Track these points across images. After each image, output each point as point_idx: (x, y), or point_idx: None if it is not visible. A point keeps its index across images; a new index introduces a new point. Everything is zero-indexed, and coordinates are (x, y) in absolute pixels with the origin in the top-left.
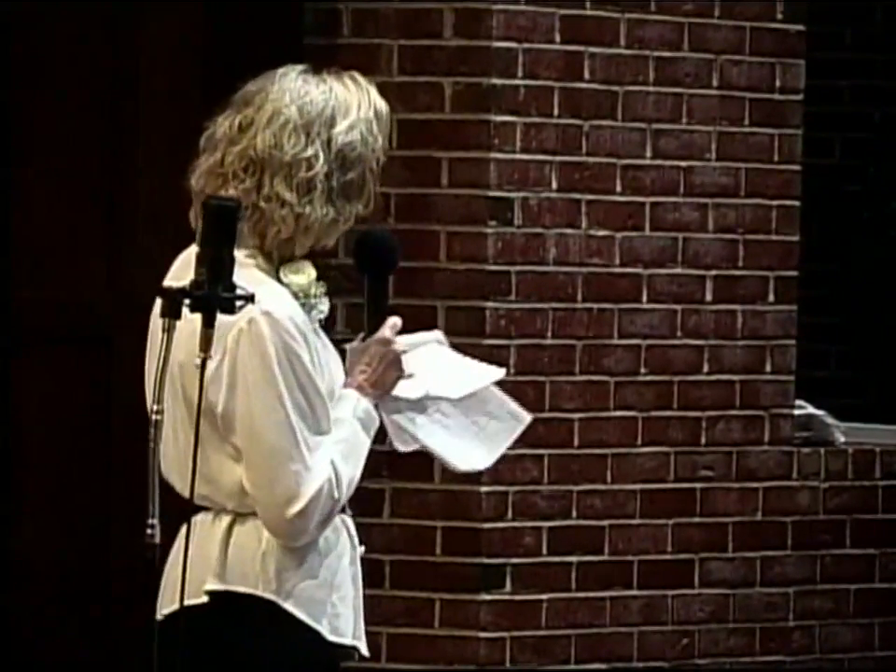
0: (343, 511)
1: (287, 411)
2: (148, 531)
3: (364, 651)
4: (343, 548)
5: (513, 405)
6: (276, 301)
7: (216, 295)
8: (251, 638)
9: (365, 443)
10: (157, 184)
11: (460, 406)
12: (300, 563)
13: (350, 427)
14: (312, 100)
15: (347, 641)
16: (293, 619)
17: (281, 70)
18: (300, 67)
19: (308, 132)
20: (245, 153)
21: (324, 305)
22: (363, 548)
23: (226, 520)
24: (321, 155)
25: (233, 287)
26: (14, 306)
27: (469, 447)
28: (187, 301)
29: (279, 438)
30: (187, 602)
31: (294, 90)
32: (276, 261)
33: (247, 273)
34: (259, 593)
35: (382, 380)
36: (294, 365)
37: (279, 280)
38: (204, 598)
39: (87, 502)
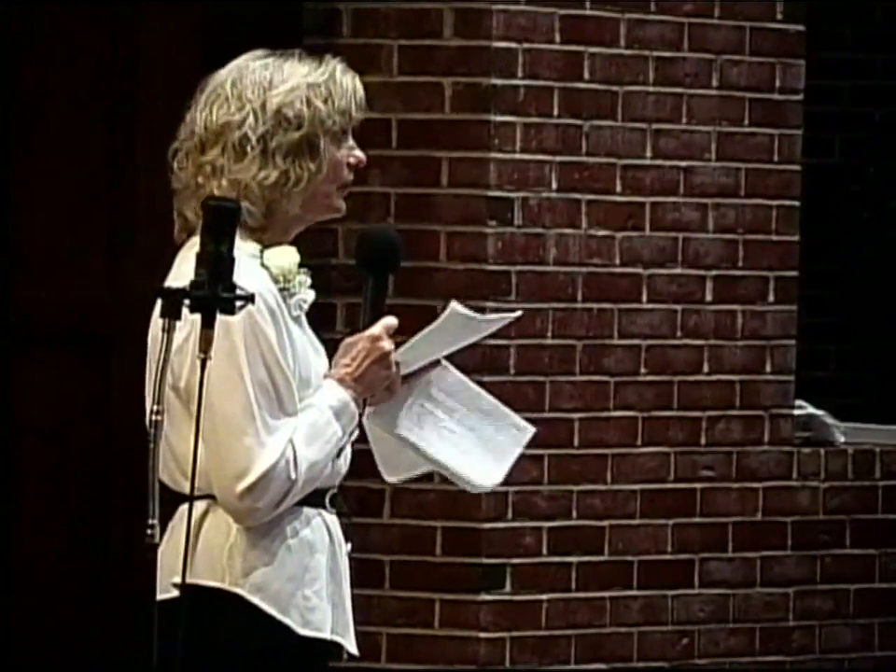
0: (322, 507)
1: (245, 384)
2: (148, 531)
3: (351, 649)
4: (317, 543)
5: (516, 418)
6: (248, 279)
7: (216, 295)
8: (219, 632)
9: (335, 432)
10: (157, 184)
11: (465, 422)
12: (267, 556)
13: (319, 413)
14: (250, 70)
15: (323, 635)
16: (260, 612)
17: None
18: (258, 52)
19: (240, 97)
20: (188, 141)
21: (307, 295)
22: (349, 545)
23: (199, 509)
24: (251, 117)
25: (233, 286)
26: (14, 306)
27: (478, 462)
28: (186, 302)
29: (234, 410)
30: (160, 596)
31: (235, 67)
32: (262, 247)
33: None
34: (225, 586)
35: (365, 375)
36: (259, 340)
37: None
38: (175, 592)
39: (87, 502)
